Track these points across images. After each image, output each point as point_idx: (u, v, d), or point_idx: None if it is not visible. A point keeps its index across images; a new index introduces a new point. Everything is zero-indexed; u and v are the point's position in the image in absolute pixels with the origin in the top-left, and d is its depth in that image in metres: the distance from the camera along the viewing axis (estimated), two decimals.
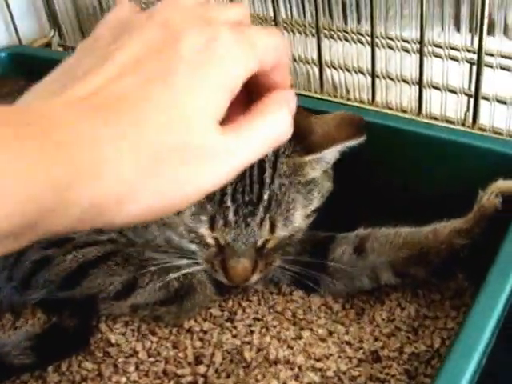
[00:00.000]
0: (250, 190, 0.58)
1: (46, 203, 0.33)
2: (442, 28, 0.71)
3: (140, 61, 0.39)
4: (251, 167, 0.58)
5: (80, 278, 0.63)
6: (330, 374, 0.59)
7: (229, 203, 0.58)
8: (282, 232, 0.60)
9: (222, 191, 0.58)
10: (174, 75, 0.39)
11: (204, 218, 0.59)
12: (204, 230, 0.59)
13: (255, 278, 0.62)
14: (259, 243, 0.60)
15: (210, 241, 0.61)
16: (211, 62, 0.40)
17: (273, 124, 0.43)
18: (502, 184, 0.61)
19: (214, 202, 0.58)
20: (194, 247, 0.62)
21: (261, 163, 0.59)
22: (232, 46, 0.41)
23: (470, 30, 0.71)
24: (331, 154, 0.61)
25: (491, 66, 0.70)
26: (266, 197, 0.58)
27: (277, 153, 0.59)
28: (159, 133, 0.38)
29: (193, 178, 0.40)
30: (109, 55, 0.39)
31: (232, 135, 0.41)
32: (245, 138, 0.42)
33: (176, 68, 0.39)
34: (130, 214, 0.38)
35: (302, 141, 0.60)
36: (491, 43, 0.69)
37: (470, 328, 0.48)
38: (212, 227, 0.59)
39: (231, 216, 0.58)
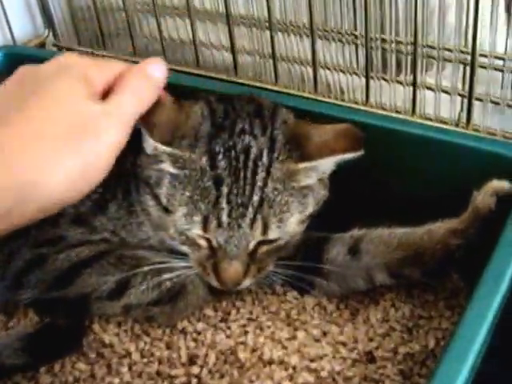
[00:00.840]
0: (242, 192, 0.58)
1: None
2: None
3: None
4: (245, 170, 0.58)
5: (73, 277, 0.63)
6: (324, 374, 0.59)
7: (223, 205, 0.58)
8: (275, 233, 0.60)
9: (218, 192, 0.58)
10: (34, 96, 0.53)
11: (197, 218, 0.59)
12: (196, 231, 0.59)
13: (247, 282, 0.62)
14: (251, 245, 0.60)
15: (202, 242, 0.61)
16: (64, 73, 0.55)
17: (135, 88, 0.57)
18: (497, 184, 0.61)
19: (208, 203, 0.58)
20: (185, 249, 0.62)
21: (254, 167, 0.59)
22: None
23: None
24: (327, 165, 0.62)
25: (484, 67, 0.70)
26: (256, 198, 0.58)
27: (271, 158, 0.60)
28: (49, 121, 0.52)
29: (100, 137, 0.53)
30: None
31: (106, 102, 0.55)
32: (116, 99, 0.55)
33: (36, 89, 0.54)
34: (58, 185, 0.51)
35: (299, 148, 0.61)
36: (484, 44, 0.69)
37: (464, 328, 0.48)
38: (205, 228, 0.59)
39: (224, 217, 0.58)
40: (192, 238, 0.61)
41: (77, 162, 0.52)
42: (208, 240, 0.60)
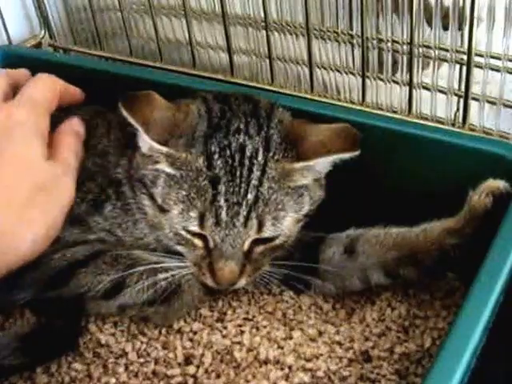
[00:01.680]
0: (238, 190, 0.58)
1: None
2: (431, 28, 0.71)
3: None
4: (241, 169, 0.58)
5: (68, 277, 0.63)
6: (320, 374, 0.59)
7: (222, 202, 0.58)
8: (270, 231, 0.60)
9: (214, 190, 0.58)
10: None
11: (193, 214, 0.59)
12: (193, 228, 0.59)
13: (243, 282, 0.62)
14: (247, 244, 0.60)
15: (198, 242, 0.61)
16: (21, 133, 0.60)
17: (72, 146, 0.64)
18: (492, 184, 0.60)
19: (204, 201, 0.58)
20: (181, 249, 0.62)
21: (250, 166, 0.59)
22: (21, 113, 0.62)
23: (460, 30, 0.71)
24: (322, 164, 0.62)
25: (481, 67, 0.70)
26: (250, 196, 0.58)
27: (267, 157, 0.60)
28: (15, 185, 0.57)
29: (60, 195, 0.60)
30: None
31: (59, 162, 0.61)
32: (64, 159, 0.62)
33: None
34: (27, 247, 0.56)
35: (295, 147, 0.61)
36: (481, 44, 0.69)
37: (460, 328, 0.48)
38: (201, 225, 0.59)
39: (223, 215, 0.58)
40: (187, 238, 0.61)
41: (42, 223, 0.57)
42: (204, 239, 0.60)
